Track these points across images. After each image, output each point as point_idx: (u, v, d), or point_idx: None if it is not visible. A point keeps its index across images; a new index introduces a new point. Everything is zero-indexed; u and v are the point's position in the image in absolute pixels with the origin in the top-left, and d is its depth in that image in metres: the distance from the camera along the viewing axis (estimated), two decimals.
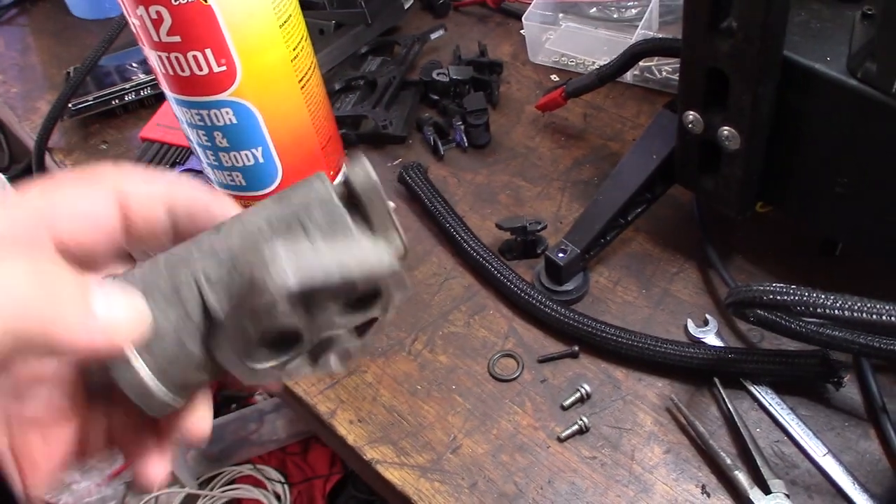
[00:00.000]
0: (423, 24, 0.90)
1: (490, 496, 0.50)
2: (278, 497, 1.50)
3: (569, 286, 0.60)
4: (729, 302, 0.47)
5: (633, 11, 0.80)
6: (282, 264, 0.28)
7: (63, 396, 0.32)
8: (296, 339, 0.31)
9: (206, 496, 1.50)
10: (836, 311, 0.41)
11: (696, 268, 0.61)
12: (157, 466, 0.34)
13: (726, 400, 0.52)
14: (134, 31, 0.52)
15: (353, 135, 0.76)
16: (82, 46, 0.99)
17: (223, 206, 0.34)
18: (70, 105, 0.81)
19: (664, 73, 0.76)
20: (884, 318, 0.39)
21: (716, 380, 0.53)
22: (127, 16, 0.51)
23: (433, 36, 0.86)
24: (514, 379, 0.56)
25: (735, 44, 0.47)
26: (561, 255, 0.58)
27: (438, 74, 0.77)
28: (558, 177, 0.70)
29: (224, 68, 0.51)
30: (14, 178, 1.17)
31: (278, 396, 0.60)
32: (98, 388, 0.34)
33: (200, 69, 0.51)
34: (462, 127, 0.74)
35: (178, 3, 0.48)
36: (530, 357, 0.57)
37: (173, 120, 0.80)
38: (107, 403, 0.34)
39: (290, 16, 0.53)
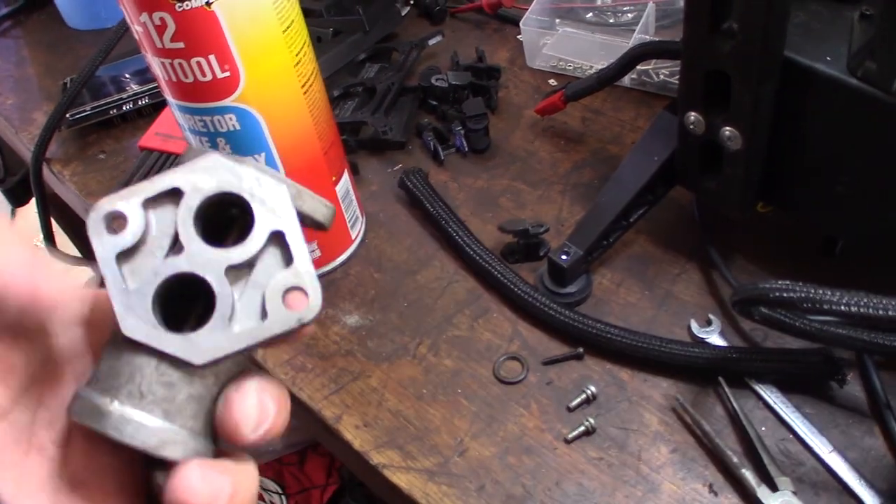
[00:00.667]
0: (421, 31, 0.90)
1: (498, 498, 0.50)
2: None
3: (572, 288, 0.60)
4: (735, 300, 0.48)
5: (630, 16, 0.80)
6: None
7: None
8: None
9: None
10: (843, 307, 0.41)
11: (698, 268, 0.61)
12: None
13: (731, 399, 0.52)
14: (136, 38, 0.52)
15: (353, 141, 0.76)
16: (77, 57, 0.99)
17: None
18: (67, 115, 0.81)
19: (662, 77, 0.76)
20: (890, 313, 0.40)
21: (720, 379, 0.53)
22: (129, 23, 0.51)
23: (431, 42, 0.86)
24: (520, 381, 0.56)
25: (736, 45, 0.47)
26: (564, 257, 0.58)
27: (437, 80, 0.78)
28: (558, 180, 0.71)
29: (227, 74, 0.52)
30: (10, 191, 1.17)
31: None
32: None
33: (204, 75, 0.51)
34: (462, 132, 0.74)
35: (181, 9, 0.48)
36: (535, 359, 0.57)
37: (172, 128, 0.81)
38: None
39: (293, 21, 0.54)
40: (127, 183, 0.76)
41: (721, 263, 0.59)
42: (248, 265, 0.31)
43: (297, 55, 0.55)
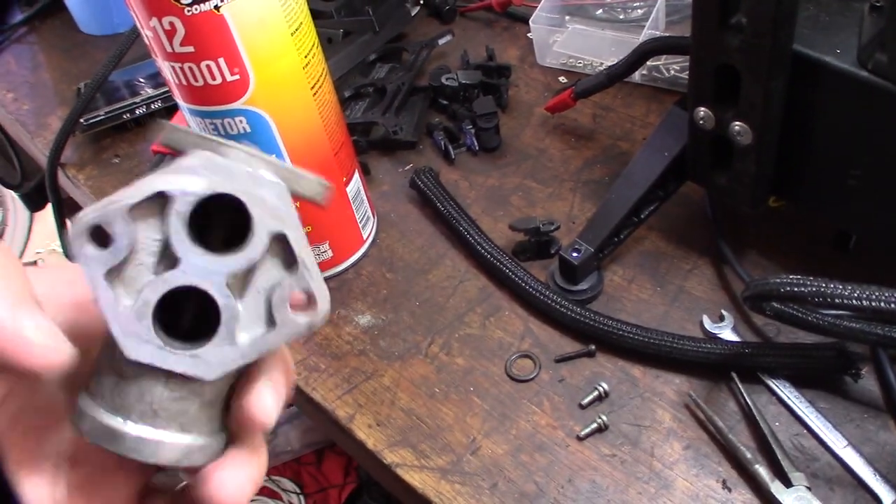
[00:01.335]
0: (431, 30, 0.90)
1: (511, 496, 0.50)
2: None
3: (583, 285, 0.60)
4: (746, 295, 0.47)
5: (640, 12, 0.80)
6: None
7: None
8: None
9: None
10: (855, 301, 0.41)
11: (710, 264, 0.61)
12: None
13: (744, 394, 0.52)
14: (147, 42, 0.52)
15: (364, 142, 0.76)
16: (92, 62, 0.99)
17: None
18: (82, 120, 0.82)
19: (672, 72, 0.76)
20: None
21: (733, 375, 0.53)
22: (139, 28, 0.52)
23: (441, 41, 0.86)
24: (532, 379, 0.56)
25: (745, 39, 0.47)
26: (575, 254, 0.58)
27: (447, 79, 0.78)
28: (569, 177, 0.71)
29: (237, 77, 0.52)
30: (26, 196, 1.18)
31: (295, 405, 0.60)
32: None
33: (214, 79, 0.52)
34: (472, 130, 0.74)
35: (190, 13, 0.49)
36: (547, 357, 0.57)
37: None
38: None
39: (302, 23, 0.54)
40: None
41: (733, 259, 0.59)
42: (248, 272, 0.29)
43: (305, 57, 0.55)
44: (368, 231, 0.67)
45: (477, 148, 0.75)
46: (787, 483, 0.47)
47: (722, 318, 0.57)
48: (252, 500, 1.50)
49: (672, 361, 0.55)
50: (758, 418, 0.50)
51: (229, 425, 0.31)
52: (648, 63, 0.70)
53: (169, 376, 0.29)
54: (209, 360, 0.28)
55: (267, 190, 0.29)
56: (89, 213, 0.27)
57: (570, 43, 0.82)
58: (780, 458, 0.48)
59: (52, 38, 1.07)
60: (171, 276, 0.28)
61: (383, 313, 0.63)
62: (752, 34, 0.46)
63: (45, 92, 0.97)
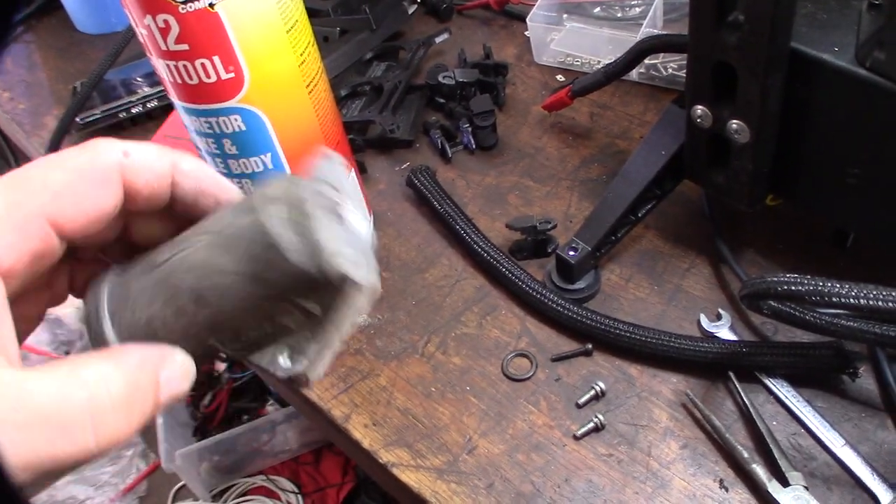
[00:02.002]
0: (428, 29, 0.90)
1: (507, 496, 0.50)
2: None
3: (580, 284, 0.60)
4: (743, 294, 0.47)
5: (637, 10, 0.80)
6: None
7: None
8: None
9: None
10: (852, 300, 0.40)
11: (707, 263, 0.61)
12: None
13: (742, 394, 0.52)
14: (141, 41, 0.52)
15: (360, 140, 0.76)
16: (88, 61, 0.99)
17: (229, 192, 0.34)
18: (78, 119, 0.82)
19: (670, 70, 0.76)
20: None
21: (731, 374, 0.53)
22: (134, 26, 0.51)
23: (438, 40, 0.86)
24: (528, 378, 0.56)
25: (742, 37, 0.47)
26: (572, 253, 0.58)
27: (444, 77, 0.78)
28: (567, 176, 0.71)
29: (232, 75, 0.52)
30: None
31: (292, 404, 0.60)
32: None
33: (208, 77, 0.52)
34: (469, 129, 0.74)
35: (185, 11, 0.48)
36: (544, 356, 0.57)
37: (181, 130, 0.81)
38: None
39: (297, 21, 0.54)
40: None
41: (730, 257, 0.59)
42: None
43: (301, 55, 0.55)
44: None
45: (474, 146, 0.74)
46: (785, 482, 0.47)
47: (719, 317, 0.57)
48: (249, 500, 1.51)
49: (669, 360, 0.54)
50: (755, 417, 0.50)
51: None
52: (646, 61, 0.69)
53: None
54: None
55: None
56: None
57: (567, 41, 0.82)
58: (777, 457, 0.48)
59: (49, 37, 1.07)
60: None
61: (379, 312, 0.62)
62: (750, 32, 0.46)
63: (41, 91, 0.97)
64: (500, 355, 0.58)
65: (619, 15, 0.81)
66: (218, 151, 0.56)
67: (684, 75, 0.54)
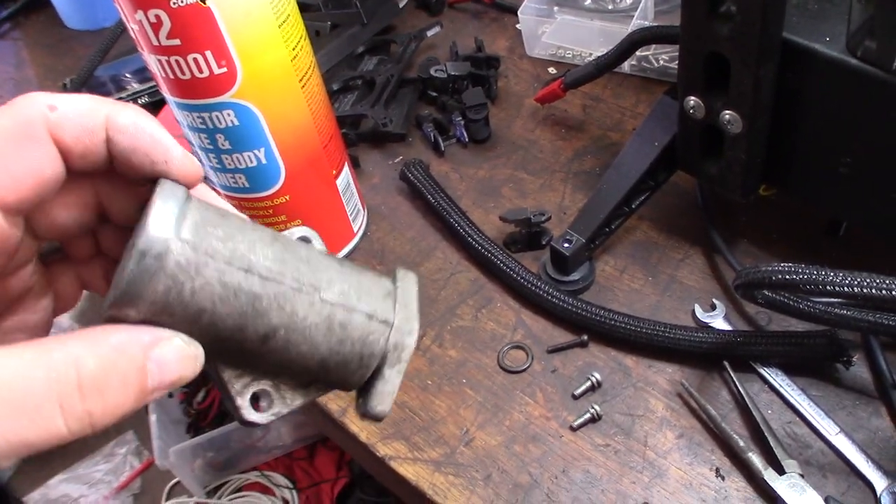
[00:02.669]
0: (419, 22, 0.90)
1: (505, 487, 0.50)
2: (286, 502, 1.50)
3: (575, 276, 0.60)
4: (737, 284, 0.47)
5: (629, 2, 0.80)
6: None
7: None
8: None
9: None
10: (845, 288, 0.41)
11: (701, 253, 0.61)
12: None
13: (737, 383, 0.52)
14: (133, 36, 0.52)
15: (353, 134, 0.76)
16: (77, 58, 0.99)
17: (166, 152, 0.29)
18: None
19: (661, 62, 0.76)
20: (894, 293, 0.39)
21: (726, 363, 0.53)
22: (125, 21, 0.51)
23: (429, 33, 0.86)
24: (525, 370, 0.56)
25: (734, 27, 0.47)
26: (566, 244, 0.58)
27: (436, 71, 0.78)
28: (560, 168, 0.71)
29: (224, 70, 0.51)
30: None
31: None
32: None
33: (201, 71, 0.51)
34: (462, 122, 0.74)
35: (176, 5, 0.48)
36: (539, 348, 0.57)
37: (172, 126, 0.80)
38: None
39: (289, 15, 0.53)
40: None
41: (724, 248, 0.59)
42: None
43: (293, 49, 0.54)
44: (359, 224, 0.67)
45: (467, 139, 0.74)
46: (781, 470, 0.47)
47: (714, 307, 0.57)
48: (244, 496, 1.50)
49: (664, 351, 0.55)
50: (750, 406, 0.51)
51: None
52: (637, 53, 0.70)
53: None
54: None
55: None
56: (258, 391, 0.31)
57: (558, 34, 0.82)
58: (772, 445, 0.48)
59: (36, 34, 1.07)
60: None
61: None
62: (742, 22, 0.46)
63: (30, 88, 0.96)
64: (496, 347, 0.58)
65: (610, 7, 0.81)
66: (211, 146, 0.56)
67: (676, 67, 0.54)
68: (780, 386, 0.52)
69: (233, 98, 0.53)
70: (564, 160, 0.71)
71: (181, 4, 0.48)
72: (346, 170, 0.64)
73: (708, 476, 0.49)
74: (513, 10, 0.86)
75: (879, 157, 0.48)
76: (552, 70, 0.82)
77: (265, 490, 1.52)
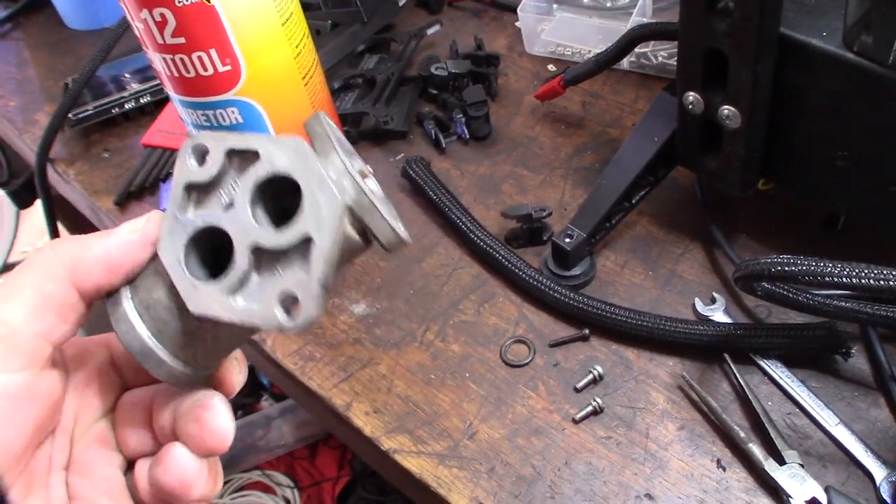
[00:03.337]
0: (419, 21, 0.90)
1: (508, 479, 0.51)
2: (288, 501, 1.50)
3: (576, 271, 0.60)
4: (737, 276, 0.48)
5: None
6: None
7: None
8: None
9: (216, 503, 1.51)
10: (844, 279, 0.41)
11: (701, 248, 0.62)
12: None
13: (737, 375, 0.52)
14: (137, 34, 0.52)
15: (354, 132, 0.76)
16: (78, 58, 0.99)
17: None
18: (70, 115, 0.81)
19: (660, 59, 0.77)
20: (892, 284, 0.40)
21: (726, 356, 0.53)
22: (130, 19, 0.52)
23: (429, 32, 0.86)
24: (527, 364, 0.57)
25: (732, 23, 0.48)
26: (567, 240, 0.59)
27: (437, 69, 0.78)
28: (560, 164, 0.71)
29: (229, 68, 0.52)
30: (14, 193, 1.17)
31: (291, 395, 0.61)
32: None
33: (205, 70, 0.52)
34: (463, 119, 0.75)
35: (181, 4, 0.49)
36: (542, 342, 0.58)
37: (175, 125, 0.81)
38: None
39: (292, 14, 0.54)
40: (131, 181, 0.77)
41: (724, 242, 0.59)
42: (279, 254, 0.31)
43: (296, 47, 0.55)
44: None
45: (467, 137, 0.75)
46: (781, 461, 0.48)
47: (714, 301, 0.57)
48: (245, 495, 1.51)
49: (665, 344, 0.55)
50: (751, 398, 0.51)
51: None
52: (636, 50, 0.70)
53: (172, 286, 0.32)
54: (199, 296, 0.31)
55: (326, 200, 0.30)
56: (203, 136, 0.32)
57: (558, 31, 0.82)
58: (773, 436, 0.49)
59: (38, 34, 1.07)
60: (220, 215, 0.32)
61: (378, 302, 0.63)
62: (739, 18, 0.47)
63: (32, 88, 0.97)
64: (499, 342, 0.58)
65: (608, 4, 0.82)
66: None
67: (675, 63, 0.55)
68: (780, 378, 0.52)
69: (237, 96, 0.54)
70: (564, 156, 0.72)
71: (186, 3, 0.49)
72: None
73: (709, 467, 0.50)
74: (512, 8, 0.87)
75: (876, 151, 0.49)
76: (552, 67, 0.82)
77: (266, 489, 1.52)
